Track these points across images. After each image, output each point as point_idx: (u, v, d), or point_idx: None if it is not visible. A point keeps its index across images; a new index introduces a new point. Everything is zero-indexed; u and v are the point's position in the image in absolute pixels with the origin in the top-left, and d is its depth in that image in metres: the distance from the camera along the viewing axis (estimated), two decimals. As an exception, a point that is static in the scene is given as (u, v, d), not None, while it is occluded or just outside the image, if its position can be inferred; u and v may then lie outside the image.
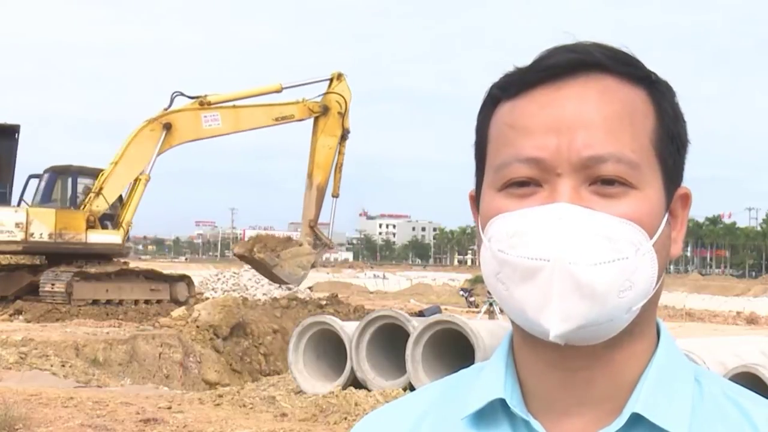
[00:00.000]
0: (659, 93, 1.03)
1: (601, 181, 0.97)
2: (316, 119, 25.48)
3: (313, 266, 24.89)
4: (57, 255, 22.47)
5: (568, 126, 0.97)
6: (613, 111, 0.98)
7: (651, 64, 1.04)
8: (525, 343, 1.02)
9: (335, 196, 26.19)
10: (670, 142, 1.02)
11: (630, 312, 0.96)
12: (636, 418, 0.98)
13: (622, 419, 0.98)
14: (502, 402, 1.02)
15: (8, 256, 22.17)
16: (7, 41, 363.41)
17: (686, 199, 1.06)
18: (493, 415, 1.03)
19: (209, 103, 24.22)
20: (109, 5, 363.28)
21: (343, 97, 25.48)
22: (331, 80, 25.69)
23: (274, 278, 24.24)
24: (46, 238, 22.45)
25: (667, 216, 1.01)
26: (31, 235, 22.26)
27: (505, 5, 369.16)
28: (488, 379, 1.05)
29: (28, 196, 23.96)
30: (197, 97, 24.25)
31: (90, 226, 22.98)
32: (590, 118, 0.97)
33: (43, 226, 22.43)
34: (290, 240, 25.44)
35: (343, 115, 25.44)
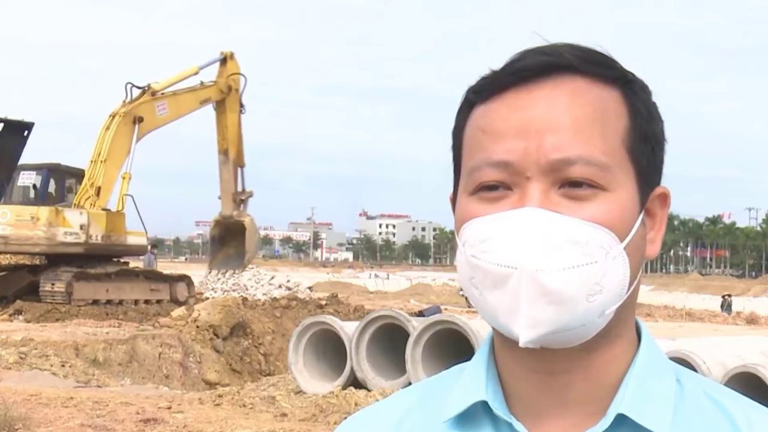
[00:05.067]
0: (633, 93, 1.02)
1: (571, 184, 0.97)
2: (221, 99, 27.25)
3: None
4: (107, 256, 22.99)
5: (537, 129, 0.97)
6: (583, 113, 0.98)
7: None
8: (504, 346, 1.02)
9: (242, 166, 28.71)
10: (644, 142, 1.01)
11: (603, 316, 0.96)
12: (620, 419, 0.98)
13: (607, 420, 0.98)
14: (484, 404, 1.02)
15: (8, 255, 22.19)
16: (7, 41, 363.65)
17: (664, 198, 1.05)
18: (475, 417, 1.03)
19: (156, 92, 24.94)
20: (110, 5, 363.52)
21: (240, 75, 27.66)
22: (225, 59, 27.52)
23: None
24: (100, 240, 22.81)
25: (641, 217, 1.01)
26: (90, 236, 22.56)
27: (507, 5, 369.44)
28: (470, 380, 1.05)
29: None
30: (144, 88, 24.71)
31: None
32: (559, 120, 0.97)
33: (98, 227, 22.74)
34: (224, 223, 27.71)
35: (239, 92, 27.72)
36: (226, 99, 27.35)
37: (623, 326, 1.02)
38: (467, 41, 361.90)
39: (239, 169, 28.45)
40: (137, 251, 25.15)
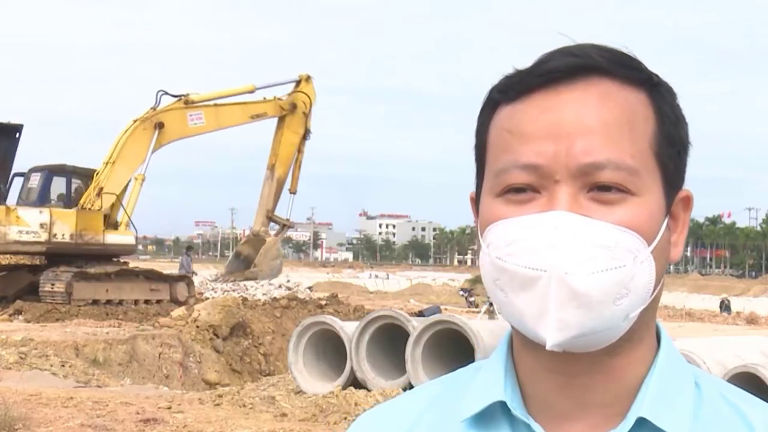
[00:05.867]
0: (660, 96, 1.02)
1: (600, 188, 0.96)
2: (282, 116, 26.76)
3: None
4: (77, 256, 22.54)
5: (567, 132, 0.96)
6: (612, 117, 0.97)
7: (653, 63, 1.04)
8: (524, 347, 1.02)
9: (293, 192, 27.89)
10: (671, 145, 1.01)
11: (628, 319, 0.96)
12: (640, 422, 0.98)
13: (627, 423, 0.98)
14: (502, 404, 1.02)
15: (8, 255, 22.16)
16: (7, 41, 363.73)
17: (687, 201, 1.05)
18: (493, 417, 1.03)
19: (192, 102, 24.78)
20: (109, 5, 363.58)
21: (309, 98, 26.95)
22: (299, 81, 27.03)
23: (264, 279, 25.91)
24: (67, 239, 22.52)
25: (666, 221, 1.01)
26: (54, 235, 22.31)
27: (508, 6, 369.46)
28: (487, 380, 1.04)
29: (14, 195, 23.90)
30: (180, 96, 24.72)
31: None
32: (589, 123, 0.97)
33: (65, 226, 22.48)
34: (253, 240, 27.04)
35: (307, 115, 26.96)
36: (287, 116, 26.71)
37: (645, 329, 1.01)
38: (468, 42, 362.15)
39: (290, 196, 27.90)
40: (121, 251, 24.18)
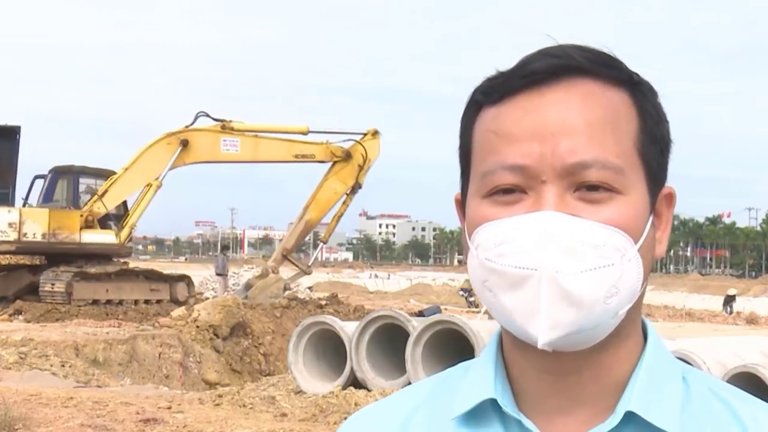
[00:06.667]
0: (641, 95, 1.03)
1: (586, 187, 0.97)
2: (335, 162, 25.83)
3: (287, 289, 25.11)
4: (51, 255, 22.42)
5: (552, 132, 0.97)
6: (596, 116, 0.98)
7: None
8: (514, 346, 1.03)
9: (323, 241, 27.52)
10: (653, 143, 1.02)
11: (616, 317, 0.97)
12: (629, 416, 0.99)
13: (616, 417, 0.99)
14: (493, 402, 1.03)
15: (8, 256, 22.16)
16: (7, 41, 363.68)
17: (670, 198, 1.06)
18: (483, 415, 1.03)
19: (232, 129, 24.41)
20: (109, 5, 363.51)
21: (367, 152, 25.85)
22: (366, 134, 26.14)
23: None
24: (39, 238, 22.37)
25: (651, 218, 1.02)
26: (24, 235, 22.21)
27: (508, 6, 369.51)
28: (478, 378, 1.05)
29: (34, 197, 24.01)
30: (221, 121, 24.45)
31: (88, 226, 22.93)
32: (574, 123, 0.97)
33: (37, 225, 22.36)
34: (265, 275, 25.87)
35: (361, 168, 25.80)
36: (338, 163, 25.71)
37: (632, 325, 1.03)
38: (468, 42, 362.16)
39: (320, 244, 27.48)
40: (101, 250, 23.56)
